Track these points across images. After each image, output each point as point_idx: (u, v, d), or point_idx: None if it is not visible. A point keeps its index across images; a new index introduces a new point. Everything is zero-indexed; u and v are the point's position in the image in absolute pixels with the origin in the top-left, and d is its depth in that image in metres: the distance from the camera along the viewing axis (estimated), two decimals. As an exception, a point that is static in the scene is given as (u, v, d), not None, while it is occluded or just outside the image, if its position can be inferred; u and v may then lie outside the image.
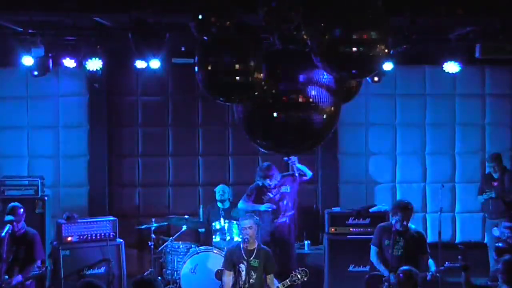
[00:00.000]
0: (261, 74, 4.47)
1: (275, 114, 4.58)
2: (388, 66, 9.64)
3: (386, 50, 4.54)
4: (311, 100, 4.61)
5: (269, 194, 9.47)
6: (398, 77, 10.91)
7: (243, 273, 8.22)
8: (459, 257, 7.61)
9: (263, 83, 4.48)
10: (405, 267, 7.18)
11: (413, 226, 8.42)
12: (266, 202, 9.42)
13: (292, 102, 4.61)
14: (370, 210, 10.16)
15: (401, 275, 7.00)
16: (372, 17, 4.50)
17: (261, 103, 4.57)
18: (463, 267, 7.50)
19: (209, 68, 4.43)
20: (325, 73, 4.77)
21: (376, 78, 9.69)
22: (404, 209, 8.34)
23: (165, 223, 10.10)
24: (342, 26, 4.43)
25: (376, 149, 11.25)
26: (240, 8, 4.57)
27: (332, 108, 4.73)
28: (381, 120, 11.27)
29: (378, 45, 4.49)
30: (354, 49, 4.44)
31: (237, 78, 4.39)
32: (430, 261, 8.33)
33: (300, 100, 4.64)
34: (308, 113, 4.64)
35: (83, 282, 6.68)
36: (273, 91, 4.51)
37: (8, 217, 8.19)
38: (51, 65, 9.47)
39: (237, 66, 4.38)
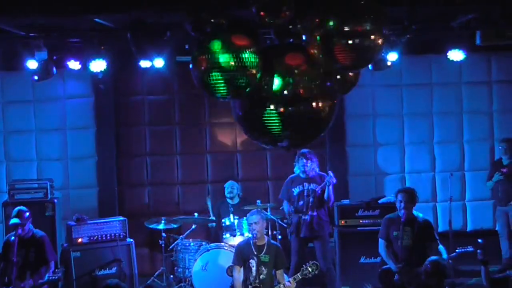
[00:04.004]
0: (257, 70, 4.47)
1: (271, 109, 4.58)
2: (393, 56, 9.62)
3: (381, 41, 4.54)
4: (307, 93, 4.61)
5: (300, 186, 9.35)
6: (403, 67, 10.85)
7: (254, 269, 8.25)
8: (478, 251, 7.55)
9: (258, 78, 4.48)
10: (433, 258, 7.02)
11: (420, 215, 8.41)
12: (296, 194, 9.29)
13: (289, 96, 4.60)
14: (380, 202, 10.12)
15: (428, 265, 6.77)
16: (365, 7, 4.49)
17: (257, 98, 4.58)
18: (483, 262, 7.45)
19: (203, 65, 4.44)
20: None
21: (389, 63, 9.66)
22: (403, 191, 8.37)
23: (175, 222, 10.10)
24: (335, 19, 4.43)
25: (384, 140, 11.21)
26: (233, 4, 4.58)
27: (330, 101, 4.72)
28: (388, 111, 11.22)
29: (373, 36, 4.48)
30: (349, 41, 4.45)
31: (232, 74, 4.39)
32: (441, 248, 8.30)
33: (297, 93, 4.63)
34: (306, 106, 4.63)
35: (110, 283, 6.66)
36: (269, 86, 4.50)
37: (13, 220, 8.20)
38: (54, 68, 9.51)
39: (232, 62, 4.38)
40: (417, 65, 11.07)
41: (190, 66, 4.62)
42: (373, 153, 11.20)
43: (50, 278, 8.06)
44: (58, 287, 9.06)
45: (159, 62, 9.57)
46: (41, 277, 8.20)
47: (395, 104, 11.20)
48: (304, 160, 9.23)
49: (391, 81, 10.97)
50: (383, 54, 9.44)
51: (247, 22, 4.67)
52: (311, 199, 9.23)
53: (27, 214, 8.34)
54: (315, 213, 9.23)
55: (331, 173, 9.13)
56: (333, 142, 10.90)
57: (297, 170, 9.41)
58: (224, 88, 4.52)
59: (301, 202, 9.29)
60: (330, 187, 9.14)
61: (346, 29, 4.44)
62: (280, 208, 9.89)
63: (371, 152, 11.20)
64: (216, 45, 4.49)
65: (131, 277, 9.69)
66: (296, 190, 9.34)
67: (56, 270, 8.27)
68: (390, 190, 10.69)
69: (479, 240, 7.86)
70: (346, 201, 10.25)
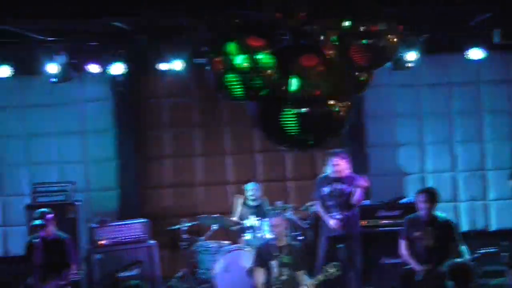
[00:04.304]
0: (273, 71, 4.47)
1: (288, 110, 4.58)
2: (412, 56, 9.60)
3: (397, 41, 4.52)
4: (323, 94, 4.60)
5: (330, 186, 9.24)
6: (422, 67, 10.79)
7: (275, 270, 8.24)
8: (504, 254, 7.49)
9: (274, 79, 4.48)
10: (459, 260, 6.95)
11: (441, 215, 8.35)
12: (326, 194, 9.22)
13: (305, 96, 4.60)
14: (400, 202, 10.10)
15: (451, 268, 6.69)
16: (381, 7, 4.49)
17: (273, 100, 4.58)
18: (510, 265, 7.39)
19: (218, 67, 4.45)
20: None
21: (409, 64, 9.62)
22: (424, 192, 8.32)
23: (196, 223, 10.14)
24: (351, 19, 4.43)
25: (404, 140, 11.18)
26: (248, 6, 4.60)
27: (346, 102, 4.71)
28: (408, 111, 11.19)
29: (388, 36, 4.47)
30: (365, 41, 4.44)
31: (247, 76, 4.40)
32: (464, 248, 8.25)
33: (313, 94, 4.62)
34: (322, 107, 4.62)
35: (131, 285, 6.71)
36: (285, 87, 4.50)
37: (37, 222, 8.28)
38: (74, 71, 9.60)
39: (247, 64, 4.39)
40: (436, 64, 11.01)
41: (206, 68, 4.63)
42: (393, 153, 11.17)
43: (72, 279, 8.14)
44: (81, 287, 9.16)
45: (177, 65, 9.64)
46: (63, 278, 8.27)
47: (415, 103, 11.16)
48: (336, 160, 9.18)
49: (411, 81, 10.93)
50: (401, 54, 9.43)
51: (262, 23, 4.68)
52: (341, 199, 9.16)
53: (50, 215, 8.42)
54: (346, 213, 9.18)
55: (363, 178, 9.03)
56: (353, 143, 10.86)
57: (327, 169, 9.36)
58: (240, 89, 4.51)
59: (330, 202, 9.21)
60: (360, 189, 9.05)
61: (361, 29, 4.44)
62: (312, 208, 9.83)
63: (391, 152, 11.17)
64: (231, 47, 4.50)
65: (153, 279, 9.75)
66: (326, 190, 9.27)
67: (78, 271, 8.35)
68: (411, 190, 10.67)
69: (502, 243, 7.78)
70: (366, 202, 10.20)
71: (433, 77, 11.10)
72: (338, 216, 9.09)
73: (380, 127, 11.18)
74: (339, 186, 9.18)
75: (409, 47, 9.35)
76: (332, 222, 9.09)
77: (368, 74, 4.73)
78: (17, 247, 10.45)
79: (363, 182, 8.91)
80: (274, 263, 8.25)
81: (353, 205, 9.16)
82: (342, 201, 9.14)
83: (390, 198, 10.24)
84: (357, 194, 9.05)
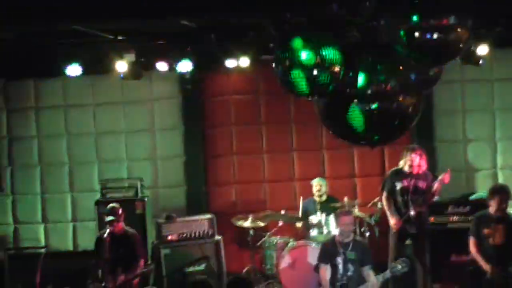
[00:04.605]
0: (339, 67, 4.44)
1: (355, 106, 4.55)
2: (483, 50, 9.40)
3: (467, 35, 4.44)
4: (391, 90, 4.55)
5: (405, 181, 9.14)
6: (494, 61, 10.55)
7: (340, 266, 8.20)
8: None
9: (341, 75, 4.45)
10: None
11: (513, 212, 8.18)
12: (399, 189, 9.16)
13: (373, 92, 4.56)
14: (470, 198, 9.93)
15: None
16: (450, 1, 4.41)
17: (340, 96, 4.55)
18: None
19: (285, 63, 4.45)
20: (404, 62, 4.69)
21: (481, 61, 9.46)
22: (501, 191, 8.11)
23: (262, 219, 10.15)
24: (418, 13, 4.36)
25: (474, 136, 10.95)
26: (315, 2, 4.58)
27: (414, 97, 4.65)
28: (479, 106, 10.96)
29: (457, 30, 4.39)
30: (433, 35, 4.37)
31: (313, 72, 4.38)
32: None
33: (381, 91, 4.58)
34: (390, 103, 4.58)
35: (197, 281, 6.79)
36: (353, 83, 4.48)
37: (109, 218, 8.44)
38: (142, 70, 9.73)
39: (313, 60, 4.37)
40: (508, 58, 10.75)
41: (273, 64, 4.64)
42: (463, 148, 10.96)
43: (141, 270, 8.26)
44: (149, 281, 9.28)
45: (244, 62, 9.66)
46: (132, 272, 8.38)
47: (486, 98, 10.92)
48: (413, 156, 9.06)
49: (482, 75, 10.68)
50: (473, 48, 9.24)
51: (328, 19, 4.66)
52: (416, 196, 9.06)
53: (120, 210, 8.58)
54: (420, 210, 9.08)
55: (448, 172, 8.91)
56: (421, 139, 10.69)
57: (402, 164, 9.23)
58: (306, 86, 4.51)
59: (402, 197, 9.12)
60: (438, 186, 8.97)
61: (430, 23, 4.37)
62: (379, 204, 9.77)
63: (461, 148, 10.96)
64: (297, 43, 4.49)
65: (220, 274, 9.81)
66: (399, 185, 9.17)
67: (146, 265, 8.47)
68: (482, 187, 10.46)
69: None
70: (435, 198, 10.05)
71: (506, 71, 10.82)
72: (412, 213, 9.00)
73: (450, 123, 10.98)
74: (415, 182, 9.07)
75: (480, 41, 9.15)
76: (392, 221, 9.01)
77: (437, 69, 4.67)
78: (86, 242, 10.70)
79: (447, 178, 8.77)
80: (339, 260, 8.22)
81: (427, 202, 9.05)
82: (416, 198, 9.05)
83: (460, 194, 10.05)
84: (435, 188, 8.96)
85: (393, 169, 9.41)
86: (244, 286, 6.40)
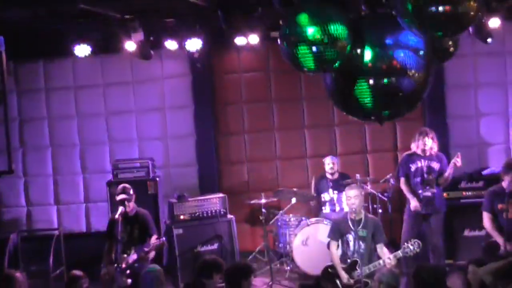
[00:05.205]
0: (346, 42, 4.38)
1: (363, 82, 4.49)
2: (495, 22, 9.28)
3: (477, 7, 4.35)
4: (400, 64, 4.48)
5: (418, 163, 9.15)
6: (506, 34, 10.41)
7: (351, 243, 8.18)
8: None
9: (348, 50, 4.39)
10: None
11: (527, 186, 8.08)
12: (414, 170, 9.15)
13: (380, 67, 4.50)
14: (483, 173, 9.86)
15: None
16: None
17: (347, 71, 4.49)
18: None
19: (291, 39, 4.39)
20: (413, 36, 4.61)
21: (489, 40, 9.34)
22: (508, 162, 8.05)
23: (275, 196, 10.14)
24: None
25: (487, 110, 10.82)
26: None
27: (423, 72, 4.58)
28: (491, 79, 10.82)
29: (467, 2, 4.30)
30: (442, 7, 4.28)
31: (320, 47, 4.32)
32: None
33: (389, 65, 4.52)
34: (398, 77, 4.51)
35: (207, 259, 6.76)
36: (360, 57, 4.41)
37: (121, 196, 8.43)
38: (152, 48, 9.67)
39: (319, 35, 4.31)
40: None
41: (279, 40, 4.58)
42: (476, 123, 10.84)
43: (155, 245, 8.24)
44: (163, 252, 9.26)
45: (253, 39, 9.60)
46: (146, 246, 8.32)
47: (498, 72, 10.78)
48: (426, 139, 9.08)
49: (493, 48, 10.50)
50: (484, 21, 9.11)
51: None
52: (430, 177, 9.08)
53: (131, 190, 8.57)
54: (435, 190, 9.10)
55: (458, 156, 8.89)
56: (432, 114, 10.63)
57: (413, 147, 9.22)
58: (312, 61, 4.46)
59: (418, 179, 9.14)
60: (451, 167, 8.98)
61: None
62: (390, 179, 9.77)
63: (473, 123, 10.84)
64: (303, 18, 4.43)
65: (233, 253, 9.82)
66: (413, 166, 9.18)
67: (160, 239, 8.45)
68: (494, 161, 10.38)
69: None
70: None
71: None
72: (427, 193, 9.03)
73: (461, 97, 10.86)
74: (428, 163, 9.07)
75: (491, 13, 9.02)
76: (413, 204, 9.00)
77: (453, 42, 4.58)
78: (99, 223, 10.73)
79: (458, 162, 8.82)
80: (350, 237, 8.19)
81: (442, 183, 9.05)
82: (430, 179, 9.06)
83: (473, 169, 9.98)
84: (448, 172, 9.03)
85: (405, 153, 9.39)
86: (243, 274, 6.28)
